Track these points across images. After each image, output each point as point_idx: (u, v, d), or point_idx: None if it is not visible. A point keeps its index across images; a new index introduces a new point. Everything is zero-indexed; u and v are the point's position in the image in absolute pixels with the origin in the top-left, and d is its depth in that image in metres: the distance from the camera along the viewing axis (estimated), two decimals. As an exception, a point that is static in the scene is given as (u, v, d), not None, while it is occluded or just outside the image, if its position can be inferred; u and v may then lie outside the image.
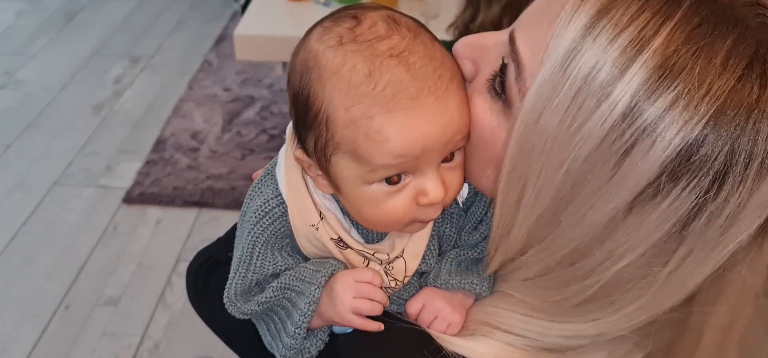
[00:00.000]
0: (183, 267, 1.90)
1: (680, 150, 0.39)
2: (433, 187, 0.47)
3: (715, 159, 0.40)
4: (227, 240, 0.65)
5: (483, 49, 0.51)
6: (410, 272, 0.53)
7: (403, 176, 0.48)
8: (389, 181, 0.47)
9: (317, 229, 0.53)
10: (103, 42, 3.10)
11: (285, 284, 0.54)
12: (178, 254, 1.95)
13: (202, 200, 2.13)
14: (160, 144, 2.39)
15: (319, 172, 0.51)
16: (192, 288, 0.73)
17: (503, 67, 0.48)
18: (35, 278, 1.86)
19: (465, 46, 0.53)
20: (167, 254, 1.94)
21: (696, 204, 0.41)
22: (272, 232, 0.54)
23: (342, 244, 0.53)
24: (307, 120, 0.49)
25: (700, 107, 0.39)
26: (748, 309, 0.49)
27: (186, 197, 2.14)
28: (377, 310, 0.50)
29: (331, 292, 0.51)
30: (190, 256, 2.10)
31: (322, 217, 0.53)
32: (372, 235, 0.54)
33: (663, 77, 0.39)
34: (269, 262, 0.55)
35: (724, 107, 0.39)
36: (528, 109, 0.45)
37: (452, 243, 0.56)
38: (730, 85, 0.39)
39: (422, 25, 0.50)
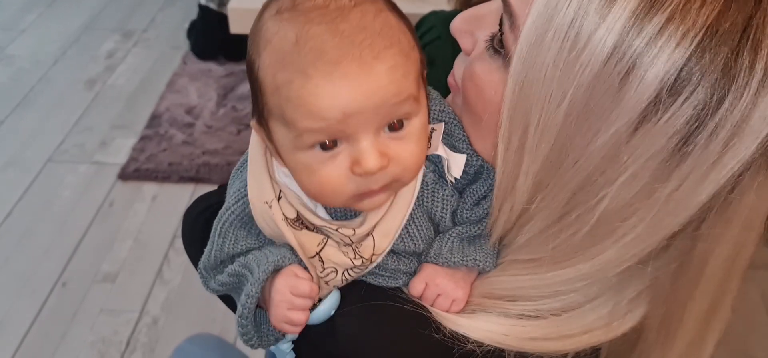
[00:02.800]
0: (179, 243, 1.90)
1: (680, 64, 0.40)
2: (366, 154, 0.46)
3: (713, 70, 0.40)
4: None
5: (478, 18, 0.53)
6: (379, 251, 0.52)
7: (338, 143, 0.47)
8: (324, 147, 0.47)
9: (270, 206, 0.52)
10: (94, 16, 3.05)
11: (235, 270, 0.54)
12: (174, 230, 1.94)
13: (198, 176, 2.12)
14: (154, 119, 2.37)
15: (270, 143, 0.51)
16: (189, 235, 0.71)
17: (501, 26, 0.49)
18: (32, 255, 1.86)
19: (461, 20, 0.54)
20: (164, 230, 1.94)
21: (697, 116, 0.41)
22: (239, 213, 0.54)
23: (298, 223, 0.52)
24: (251, 86, 0.50)
25: (697, 20, 0.40)
26: (753, 240, 0.49)
27: (182, 173, 2.13)
28: (305, 320, 0.51)
29: (271, 293, 0.51)
30: (187, 232, 2.05)
31: (280, 196, 0.52)
32: (341, 211, 0.53)
33: None
34: (230, 240, 0.55)
35: (720, 18, 0.40)
36: (523, 45, 0.45)
37: (448, 223, 0.55)
38: None
39: None
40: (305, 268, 0.52)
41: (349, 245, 0.52)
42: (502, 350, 0.51)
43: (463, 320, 0.51)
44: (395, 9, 0.50)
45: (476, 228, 0.54)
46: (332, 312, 0.53)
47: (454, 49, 0.60)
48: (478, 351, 0.50)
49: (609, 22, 0.41)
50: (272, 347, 0.58)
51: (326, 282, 0.53)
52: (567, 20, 0.42)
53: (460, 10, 1.30)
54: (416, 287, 0.53)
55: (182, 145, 2.24)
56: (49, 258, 1.85)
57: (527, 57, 0.45)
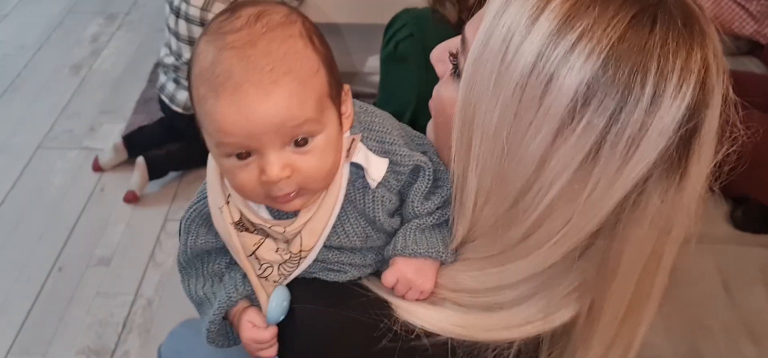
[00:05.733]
0: (171, 226, 1.95)
1: (587, 77, 0.47)
2: (269, 165, 0.52)
3: (616, 83, 0.47)
4: None
5: (450, 49, 0.62)
6: (306, 247, 0.59)
7: (251, 154, 0.53)
8: (239, 157, 0.54)
9: (222, 211, 0.59)
10: (77, -1, 3.05)
11: (199, 297, 0.64)
12: (165, 213, 2.00)
13: (186, 160, 2.16)
14: (141, 105, 2.39)
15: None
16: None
17: (457, 52, 0.59)
18: (27, 242, 1.91)
19: (437, 50, 0.64)
20: (155, 215, 1.99)
21: (605, 125, 0.48)
22: (200, 210, 0.63)
23: (240, 226, 0.59)
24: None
25: (601, 41, 0.47)
26: (672, 244, 0.55)
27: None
28: (275, 352, 0.61)
29: (240, 334, 0.62)
30: (177, 215, 2.13)
31: (228, 199, 0.59)
32: (280, 211, 0.59)
33: (570, 19, 0.48)
34: (192, 236, 0.64)
35: (621, 40, 0.47)
36: (469, 62, 0.54)
37: (383, 221, 0.61)
38: (625, 22, 0.47)
39: (298, 20, 0.55)
40: (252, 301, 0.61)
41: (285, 243, 0.59)
42: (446, 342, 0.56)
43: (420, 310, 0.57)
44: (309, 34, 0.55)
45: (431, 219, 0.60)
46: (284, 304, 0.60)
47: (425, 45, 0.67)
48: (426, 342, 0.56)
49: (531, 38, 0.49)
50: None
51: (266, 279, 0.60)
52: (500, 38, 0.50)
53: (432, 8, 1.35)
54: (388, 280, 0.59)
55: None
56: (44, 244, 1.90)
57: (471, 72, 0.53)
